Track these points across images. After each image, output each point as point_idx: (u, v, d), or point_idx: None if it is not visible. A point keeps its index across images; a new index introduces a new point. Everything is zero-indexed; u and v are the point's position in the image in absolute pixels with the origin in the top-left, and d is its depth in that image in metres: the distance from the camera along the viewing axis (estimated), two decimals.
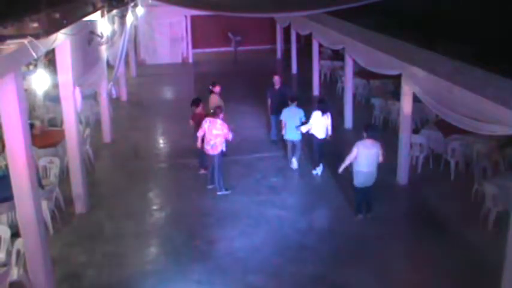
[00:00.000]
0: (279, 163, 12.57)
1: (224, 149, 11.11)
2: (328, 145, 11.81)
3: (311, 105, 12.85)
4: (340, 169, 9.80)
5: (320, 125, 11.45)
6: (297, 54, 21.86)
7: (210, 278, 8.20)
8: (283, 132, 12.04)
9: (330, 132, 11.69)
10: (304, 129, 11.58)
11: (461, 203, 10.27)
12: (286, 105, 12.05)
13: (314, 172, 11.82)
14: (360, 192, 9.74)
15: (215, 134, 10.65)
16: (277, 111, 13.11)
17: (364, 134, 9.51)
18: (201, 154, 11.61)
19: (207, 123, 10.71)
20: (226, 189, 10.99)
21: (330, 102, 12.14)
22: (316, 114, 11.38)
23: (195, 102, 11.82)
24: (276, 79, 13.49)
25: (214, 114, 10.78)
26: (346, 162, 9.64)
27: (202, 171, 11.92)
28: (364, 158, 9.37)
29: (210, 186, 11.21)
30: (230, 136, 10.83)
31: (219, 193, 10.97)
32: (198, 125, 11.27)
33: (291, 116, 11.79)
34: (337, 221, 10.06)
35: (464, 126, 8.23)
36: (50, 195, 9.66)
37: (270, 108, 13.67)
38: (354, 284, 8.05)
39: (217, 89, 12.84)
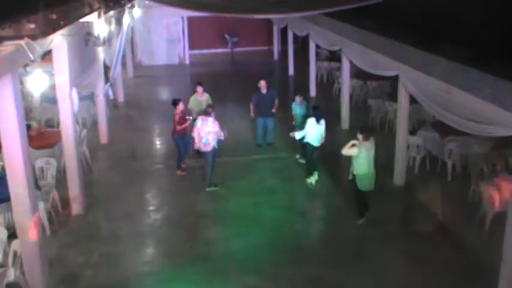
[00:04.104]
0: (276, 164, 12.58)
1: (216, 146, 11.16)
2: (321, 152, 11.52)
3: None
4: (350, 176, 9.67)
5: (315, 132, 11.14)
6: (294, 56, 21.88)
7: (207, 279, 8.19)
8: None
9: (323, 140, 11.29)
10: (297, 135, 11.39)
11: (458, 204, 10.28)
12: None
13: (308, 181, 11.39)
14: (362, 196, 9.71)
15: (207, 131, 10.90)
16: (266, 115, 13.10)
17: (360, 137, 9.44)
18: (179, 154, 12.01)
19: (199, 122, 11.02)
20: (215, 186, 11.20)
21: (323, 109, 11.86)
22: (311, 122, 11.08)
23: (174, 103, 11.95)
24: (262, 84, 13.21)
25: (206, 113, 11.08)
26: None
27: (179, 172, 12.08)
28: (366, 160, 9.38)
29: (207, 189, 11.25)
30: (222, 135, 11.03)
31: (207, 189, 11.15)
32: (178, 123, 11.75)
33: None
34: (334, 222, 10.06)
35: (461, 128, 8.24)
36: (46, 196, 9.63)
37: (254, 112, 13.45)
38: (351, 285, 8.06)
39: (199, 89, 12.98)
